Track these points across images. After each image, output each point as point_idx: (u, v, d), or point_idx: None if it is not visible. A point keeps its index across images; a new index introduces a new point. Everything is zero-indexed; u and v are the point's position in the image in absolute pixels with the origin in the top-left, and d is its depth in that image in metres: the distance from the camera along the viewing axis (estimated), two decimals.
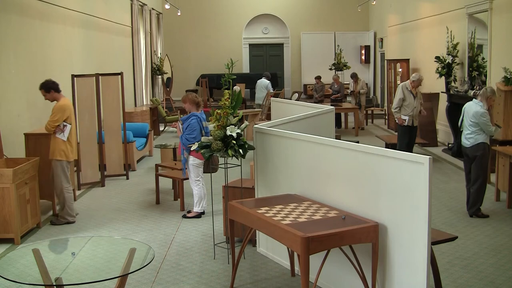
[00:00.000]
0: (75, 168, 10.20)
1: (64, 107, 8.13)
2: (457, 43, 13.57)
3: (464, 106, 8.27)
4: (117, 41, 16.35)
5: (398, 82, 16.22)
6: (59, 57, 11.59)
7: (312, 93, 20.36)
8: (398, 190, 4.49)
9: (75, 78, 10.40)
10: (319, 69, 22.25)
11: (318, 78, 19.26)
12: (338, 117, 17.65)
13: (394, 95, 11.15)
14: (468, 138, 8.06)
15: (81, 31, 13.16)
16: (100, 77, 10.88)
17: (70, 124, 8.20)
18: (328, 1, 24.91)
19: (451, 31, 13.73)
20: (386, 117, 18.56)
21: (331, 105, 14.47)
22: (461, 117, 8.29)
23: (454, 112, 12.91)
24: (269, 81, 17.74)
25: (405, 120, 10.88)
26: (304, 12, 25.00)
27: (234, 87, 6.39)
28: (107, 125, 11.17)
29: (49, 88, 8.05)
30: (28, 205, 7.64)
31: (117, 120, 11.40)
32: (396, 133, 12.08)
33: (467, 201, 8.33)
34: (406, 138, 11.05)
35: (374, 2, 21.01)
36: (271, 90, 17.69)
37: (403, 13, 19.08)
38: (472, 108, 8.01)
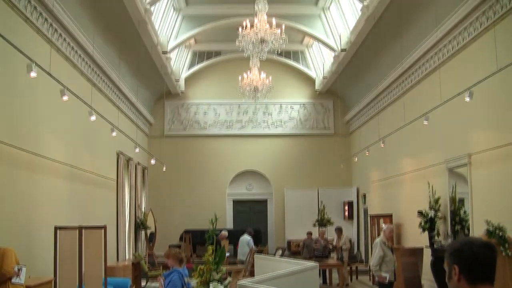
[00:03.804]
0: None
1: (11, 250, 8.01)
2: (439, 197, 13.77)
3: None
4: (102, 194, 16.43)
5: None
6: (43, 208, 11.59)
7: (299, 250, 20.07)
8: None
9: (58, 230, 10.34)
10: (303, 225, 22.24)
11: (309, 233, 19.11)
12: (323, 272, 17.45)
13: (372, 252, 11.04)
14: None
15: (66, 183, 13.26)
16: (83, 229, 10.82)
17: (25, 266, 8.05)
18: (311, 158, 25.43)
19: (432, 186, 13.97)
20: (371, 273, 18.37)
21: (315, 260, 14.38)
22: None
23: (439, 266, 12.83)
24: (251, 237, 17.70)
25: (386, 277, 10.75)
26: (288, 169, 25.43)
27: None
28: (88, 279, 10.91)
29: None
30: None
31: (99, 274, 11.20)
32: None
33: None
34: None
35: (356, 158, 21.48)
36: (253, 246, 17.57)
37: (385, 169, 19.46)
38: None
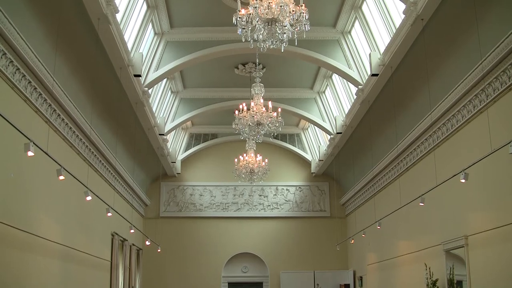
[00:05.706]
0: None
1: None
2: (437, 280, 13.59)
3: None
4: (96, 275, 16.20)
5: None
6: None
7: None
8: None
9: None
10: None
11: None
12: None
13: None
14: None
15: (60, 263, 13.10)
16: None
17: None
18: (307, 240, 25.23)
19: (429, 268, 13.83)
20: None
21: None
22: None
23: None
24: None
25: None
26: (284, 251, 25.18)
27: None
28: None
29: None
30: None
31: None
32: None
33: None
34: None
35: (353, 240, 21.33)
36: None
37: (381, 251, 19.29)
38: None
